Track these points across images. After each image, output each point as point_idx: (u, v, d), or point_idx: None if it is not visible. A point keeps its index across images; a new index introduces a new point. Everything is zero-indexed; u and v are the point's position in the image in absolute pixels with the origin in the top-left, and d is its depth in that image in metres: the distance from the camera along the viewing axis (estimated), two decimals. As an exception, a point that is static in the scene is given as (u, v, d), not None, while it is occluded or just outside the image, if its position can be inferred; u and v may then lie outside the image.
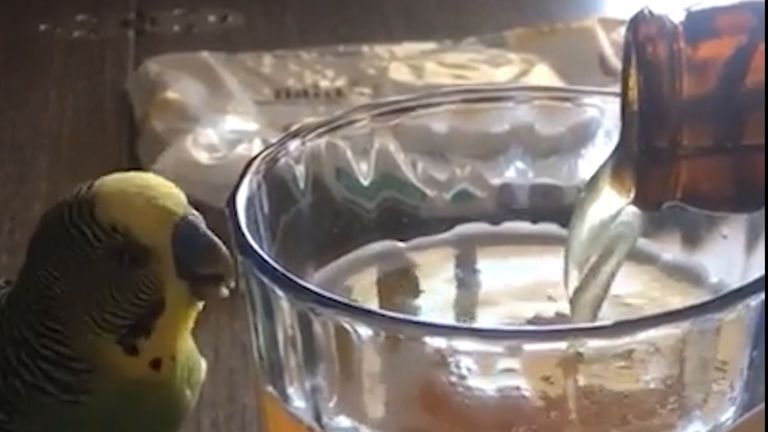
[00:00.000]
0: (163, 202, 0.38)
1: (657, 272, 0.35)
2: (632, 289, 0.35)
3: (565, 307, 0.33)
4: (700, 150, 0.30)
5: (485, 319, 0.34)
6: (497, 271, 0.36)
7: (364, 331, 0.29)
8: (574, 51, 0.71)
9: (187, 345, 0.41)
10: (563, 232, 0.35)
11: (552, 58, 0.70)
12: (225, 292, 0.38)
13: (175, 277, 0.38)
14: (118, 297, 0.38)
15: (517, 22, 0.76)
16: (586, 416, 0.29)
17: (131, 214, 0.38)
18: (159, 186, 0.39)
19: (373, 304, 0.35)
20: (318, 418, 0.30)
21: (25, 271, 0.40)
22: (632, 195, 0.31)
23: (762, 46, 0.29)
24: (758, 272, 0.32)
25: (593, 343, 0.28)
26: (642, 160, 0.30)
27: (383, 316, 0.29)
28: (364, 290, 0.35)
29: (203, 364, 0.42)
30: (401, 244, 0.37)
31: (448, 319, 0.34)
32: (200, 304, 0.39)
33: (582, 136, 0.38)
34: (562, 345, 0.28)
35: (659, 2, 0.31)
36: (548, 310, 0.34)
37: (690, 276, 0.35)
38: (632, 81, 0.31)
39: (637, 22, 0.31)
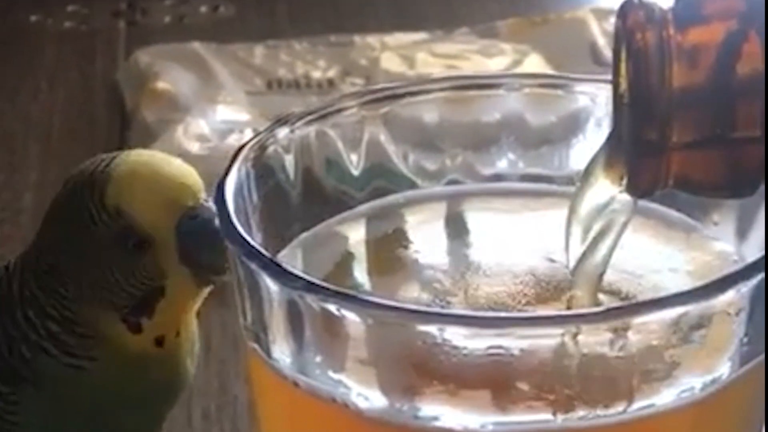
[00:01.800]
0: (172, 191, 0.38)
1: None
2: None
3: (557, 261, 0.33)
4: (691, 141, 0.30)
5: (476, 282, 0.33)
6: (489, 225, 0.36)
7: (352, 316, 0.29)
8: (566, 41, 0.71)
9: (191, 319, 0.41)
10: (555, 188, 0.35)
11: (544, 48, 0.70)
12: (226, 280, 0.39)
13: (177, 264, 0.38)
14: (120, 279, 0.39)
15: (509, 13, 0.76)
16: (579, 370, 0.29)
17: (138, 201, 0.38)
18: (175, 172, 0.39)
19: (363, 261, 0.35)
20: (302, 372, 0.30)
21: (39, 235, 0.40)
22: (624, 183, 0.31)
23: (753, 33, 0.29)
24: (750, 258, 0.32)
25: (587, 328, 0.28)
26: (633, 149, 0.30)
27: (371, 302, 0.29)
28: (356, 245, 0.35)
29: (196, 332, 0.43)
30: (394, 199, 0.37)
31: (440, 278, 0.33)
32: (203, 294, 0.40)
33: (573, 125, 0.37)
34: (556, 331, 0.28)
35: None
36: (540, 265, 0.34)
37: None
38: (622, 70, 0.31)
39: (626, 9, 0.30)
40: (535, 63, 0.69)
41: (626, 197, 0.32)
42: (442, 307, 0.32)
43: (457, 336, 0.28)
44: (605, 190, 0.32)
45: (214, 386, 0.52)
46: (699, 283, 0.30)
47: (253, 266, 0.30)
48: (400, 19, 0.78)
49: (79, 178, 0.39)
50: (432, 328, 0.28)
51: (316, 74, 0.70)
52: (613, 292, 0.33)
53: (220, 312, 0.55)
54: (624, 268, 0.33)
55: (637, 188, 0.31)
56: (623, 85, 0.31)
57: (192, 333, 0.42)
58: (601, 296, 0.33)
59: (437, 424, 0.29)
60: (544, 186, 0.37)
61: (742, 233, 0.34)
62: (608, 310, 0.30)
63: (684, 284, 0.32)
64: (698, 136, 0.30)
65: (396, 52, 0.71)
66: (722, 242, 0.34)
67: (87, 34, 0.79)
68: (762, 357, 0.30)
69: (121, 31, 0.79)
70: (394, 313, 0.29)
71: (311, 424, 0.31)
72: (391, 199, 0.37)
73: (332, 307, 0.29)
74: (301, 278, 0.29)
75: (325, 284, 0.29)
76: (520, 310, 0.32)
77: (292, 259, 0.34)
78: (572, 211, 0.32)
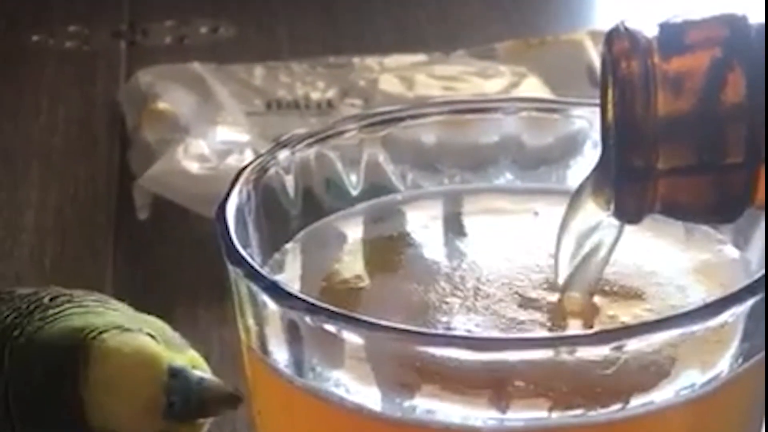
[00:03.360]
0: (145, 388, 0.39)
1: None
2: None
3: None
4: (677, 168, 0.30)
5: (476, 282, 0.34)
6: (488, 223, 0.36)
7: (351, 336, 0.29)
8: (563, 63, 0.71)
9: None
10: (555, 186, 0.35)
11: (541, 70, 0.71)
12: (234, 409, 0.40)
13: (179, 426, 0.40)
14: None
15: (506, 35, 0.76)
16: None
17: (120, 416, 0.39)
18: (138, 366, 0.40)
19: (363, 261, 0.35)
20: (299, 370, 0.31)
21: None
22: (612, 207, 0.31)
23: (736, 61, 0.29)
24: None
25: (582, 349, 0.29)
26: (619, 175, 0.31)
27: (370, 324, 0.29)
28: (354, 243, 0.36)
29: None
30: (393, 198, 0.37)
31: (439, 279, 0.34)
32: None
33: (570, 147, 0.38)
34: (548, 353, 0.29)
35: (641, 16, 0.31)
36: (541, 265, 0.34)
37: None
38: (609, 97, 0.31)
39: (611, 37, 0.31)
40: (532, 85, 0.70)
41: (614, 221, 0.32)
42: (442, 310, 0.32)
43: (454, 354, 0.29)
44: (593, 214, 0.32)
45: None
46: (694, 302, 0.30)
47: (254, 287, 0.31)
48: (398, 41, 0.78)
49: (45, 399, 0.39)
50: (430, 349, 0.29)
51: (316, 95, 0.70)
52: (612, 293, 0.33)
53: (219, 330, 0.56)
54: (624, 266, 0.34)
55: (624, 213, 0.31)
56: (610, 111, 0.31)
57: None
58: (599, 299, 0.33)
59: (435, 418, 0.29)
60: (543, 185, 0.37)
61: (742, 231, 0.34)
62: (602, 332, 0.30)
63: (685, 283, 0.33)
64: (684, 163, 0.30)
65: (395, 74, 0.71)
66: (723, 240, 0.35)
67: (88, 54, 0.80)
68: (762, 354, 0.31)
69: (122, 52, 0.80)
70: (392, 334, 0.29)
71: (309, 421, 0.31)
72: (390, 198, 0.37)
73: (332, 328, 0.29)
74: (301, 300, 0.30)
75: (324, 305, 0.30)
76: (520, 325, 0.32)
77: (291, 257, 0.35)
78: (561, 232, 0.33)
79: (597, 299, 0.33)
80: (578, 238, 0.33)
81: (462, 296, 0.33)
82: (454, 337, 0.30)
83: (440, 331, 0.30)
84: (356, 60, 0.73)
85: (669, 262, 0.34)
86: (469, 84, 0.70)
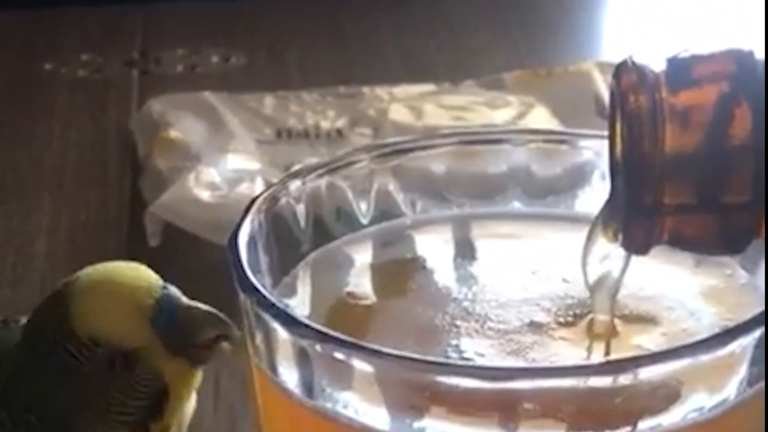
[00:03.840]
0: (137, 298, 0.38)
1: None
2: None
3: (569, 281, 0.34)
4: (684, 204, 0.30)
5: (486, 305, 0.34)
6: (498, 247, 0.37)
7: (362, 365, 0.29)
8: (571, 94, 0.72)
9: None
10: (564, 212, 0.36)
11: (549, 100, 0.71)
12: (227, 347, 0.39)
13: (170, 359, 0.39)
14: (123, 399, 0.39)
15: (515, 65, 0.77)
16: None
17: (107, 323, 0.38)
18: (127, 277, 0.39)
19: (370, 288, 0.35)
20: (308, 391, 0.31)
21: (23, 385, 0.39)
22: (620, 239, 0.32)
23: (743, 96, 0.30)
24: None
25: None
26: (627, 209, 0.31)
27: (380, 352, 0.29)
28: (364, 270, 0.36)
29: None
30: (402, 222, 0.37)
31: (445, 311, 0.34)
32: (201, 373, 0.40)
33: (578, 177, 0.38)
34: (557, 383, 0.29)
35: (649, 49, 0.31)
36: (550, 288, 0.34)
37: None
38: (617, 131, 0.31)
39: (619, 71, 0.31)
40: (540, 115, 0.70)
41: (622, 252, 0.32)
42: (452, 334, 0.33)
43: (463, 383, 0.29)
44: (604, 244, 0.33)
45: (223, 429, 0.53)
46: (705, 326, 0.30)
47: (266, 316, 0.31)
48: (408, 71, 0.79)
49: (41, 322, 0.39)
50: (439, 378, 0.29)
51: (325, 124, 0.71)
52: (624, 317, 0.33)
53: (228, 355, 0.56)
54: (635, 290, 0.34)
55: (632, 245, 0.32)
56: (618, 146, 0.31)
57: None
58: (605, 327, 0.33)
59: None
60: (552, 210, 0.38)
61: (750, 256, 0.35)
62: (612, 363, 0.30)
63: (696, 308, 0.33)
64: (690, 201, 0.30)
65: (404, 104, 0.72)
66: (732, 265, 0.35)
67: (100, 82, 0.80)
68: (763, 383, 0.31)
69: (134, 80, 0.80)
70: (401, 363, 0.29)
71: None
72: (399, 222, 0.37)
73: (341, 356, 0.30)
74: (312, 329, 0.30)
75: (334, 334, 0.30)
76: (529, 350, 0.32)
77: (301, 280, 0.35)
78: (583, 262, 0.33)
79: (616, 323, 0.33)
80: (592, 263, 0.33)
81: (471, 321, 0.33)
82: (463, 366, 0.30)
83: (449, 361, 0.31)
84: (366, 90, 0.73)
85: (679, 286, 0.34)
86: (478, 114, 0.70)
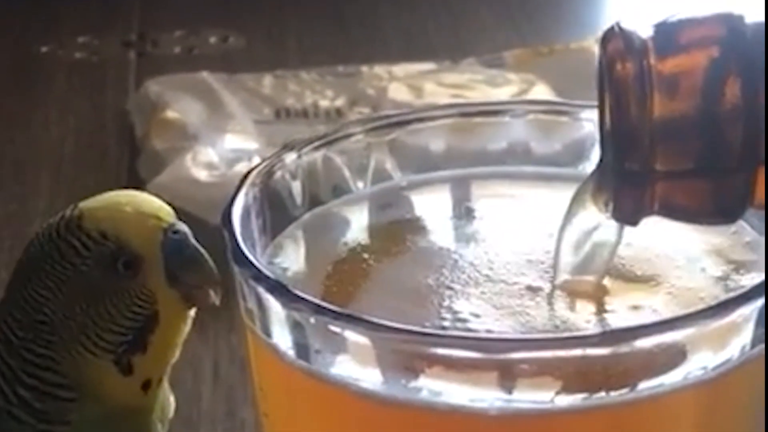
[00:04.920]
0: (150, 212, 0.38)
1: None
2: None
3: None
4: (674, 173, 0.30)
5: (483, 267, 0.33)
6: (496, 208, 0.36)
7: (357, 337, 0.29)
8: (572, 71, 0.71)
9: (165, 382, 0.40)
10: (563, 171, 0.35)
11: (550, 78, 0.71)
12: (215, 300, 0.38)
13: (166, 287, 0.38)
14: (113, 311, 0.38)
15: (515, 43, 0.77)
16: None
17: (119, 222, 0.37)
18: (146, 200, 0.38)
19: (369, 248, 0.35)
20: (302, 354, 0.30)
21: (9, 298, 0.39)
22: (610, 210, 0.31)
23: (733, 61, 0.29)
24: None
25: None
26: (617, 178, 0.30)
27: (378, 325, 0.29)
28: (360, 231, 0.35)
29: (173, 402, 0.41)
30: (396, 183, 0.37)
31: (442, 272, 0.33)
32: (190, 320, 0.39)
33: (578, 152, 0.38)
34: (554, 354, 0.29)
35: (639, 17, 0.31)
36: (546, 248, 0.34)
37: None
38: (606, 99, 0.31)
39: (606, 38, 0.30)
40: (541, 92, 0.70)
41: (613, 223, 0.32)
42: (449, 296, 0.32)
43: (459, 354, 0.29)
44: (593, 216, 0.32)
45: (222, 411, 0.53)
46: (711, 285, 0.29)
47: (260, 289, 0.31)
48: (407, 49, 0.79)
49: (46, 230, 0.38)
50: (437, 350, 0.29)
51: (324, 104, 0.70)
52: (628, 277, 0.33)
53: (227, 337, 0.56)
54: (640, 250, 0.33)
55: (622, 216, 0.31)
56: (607, 114, 0.31)
57: (165, 395, 0.41)
58: (617, 282, 0.33)
59: (441, 400, 0.29)
60: (550, 169, 0.37)
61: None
62: (609, 332, 0.30)
63: (702, 266, 0.33)
64: (681, 167, 0.29)
65: (403, 82, 0.71)
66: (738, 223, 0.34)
67: (97, 64, 0.80)
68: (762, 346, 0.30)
69: (132, 62, 0.80)
70: (400, 335, 0.29)
71: (311, 403, 0.31)
72: (396, 182, 0.37)
73: (337, 329, 0.29)
74: (307, 301, 0.30)
75: (330, 307, 0.30)
76: (526, 313, 0.32)
77: (295, 242, 0.35)
78: (562, 230, 0.33)
79: (615, 283, 0.33)
80: (579, 236, 0.32)
81: (468, 281, 0.33)
82: (459, 338, 0.30)
83: (445, 332, 0.30)
84: (365, 69, 0.73)
85: (685, 245, 0.34)
86: (478, 92, 0.70)
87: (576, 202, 0.32)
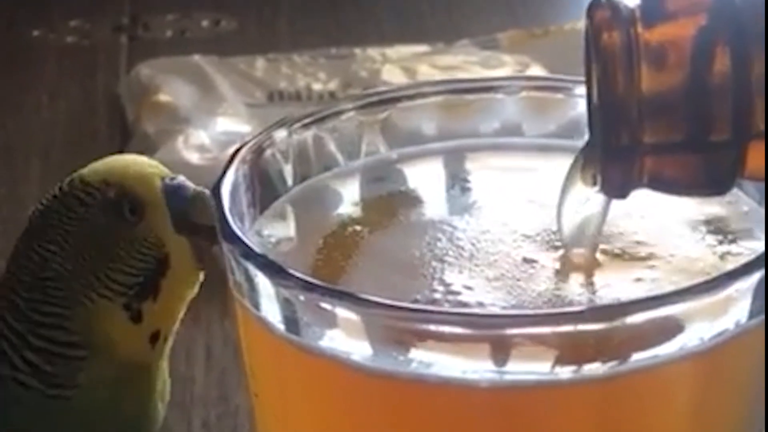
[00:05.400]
0: (150, 164, 0.39)
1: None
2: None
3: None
4: (663, 143, 0.29)
5: (477, 240, 0.33)
6: (489, 180, 0.36)
7: (348, 314, 0.29)
8: (566, 52, 0.71)
9: (171, 339, 0.40)
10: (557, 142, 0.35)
11: (545, 59, 0.70)
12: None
13: (173, 232, 0.38)
14: (123, 254, 0.38)
15: (509, 25, 0.76)
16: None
17: (121, 172, 0.39)
18: (143, 159, 0.40)
19: (360, 220, 0.34)
20: (291, 327, 0.30)
21: (14, 265, 0.39)
22: (599, 183, 0.31)
23: (721, 29, 0.28)
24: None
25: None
26: (605, 152, 0.30)
27: (368, 301, 0.29)
28: (352, 202, 0.35)
29: (169, 386, 0.42)
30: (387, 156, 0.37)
31: (435, 244, 0.33)
32: (199, 280, 0.39)
33: (573, 131, 0.37)
34: (546, 330, 0.28)
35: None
36: (540, 220, 0.33)
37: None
38: (593, 71, 0.30)
39: (592, 7, 0.30)
40: (536, 74, 0.69)
41: (602, 196, 0.31)
42: (441, 268, 0.32)
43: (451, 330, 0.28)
44: (583, 189, 0.31)
45: (215, 395, 0.52)
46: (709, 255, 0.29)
47: (250, 266, 0.30)
48: (401, 31, 0.78)
49: (49, 194, 0.39)
50: (427, 326, 0.28)
51: (317, 86, 0.70)
52: (624, 249, 0.32)
53: (221, 322, 0.55)
54: (636, 220, 0.33)
55: (610, 189, 0.31)
56: (594, 86, 0.30)
57: (165, 378, 0.41)
58: (606, 252, 0.32)
59: (431, 372, 0.28)
60: (544, 141, 0.36)
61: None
62: (601, 308, 0.30)
63: (700, 237, 0.32)
64: (670, 139, 0.29)
65: (397, 65, 0.71)
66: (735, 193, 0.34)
67: (89, 48, 0.79)
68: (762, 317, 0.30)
69: (123, 46, 0.79)
70: (390, 311, 0.29)
71: (301, 377, 0.31)
72: (388, 154, 0.36)
73: (327, 306, 0.29)
74: (296, 277, 0.29)
75: (320, 283, 0.29)
76: (519, 285, 0.31)
77: (283, 215, 0.35)
78: (560, 204, 0.32)
79: (612, 254, 0.32)
80: (572, 210, 0.32)
81: (461, 253, 0.32)
82: (450, 314, 0.29)
83: (435, 308, 0.30)
84: (358, 51, 0.73)
85: (683, 215, 0.33)
86: (472, 74, 0.69)
87: (567, 176, 0.32)
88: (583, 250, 0.32)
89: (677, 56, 0.29)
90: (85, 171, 0.39)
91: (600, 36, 0.29)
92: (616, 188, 0.30)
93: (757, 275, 0.29)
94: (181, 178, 0.39)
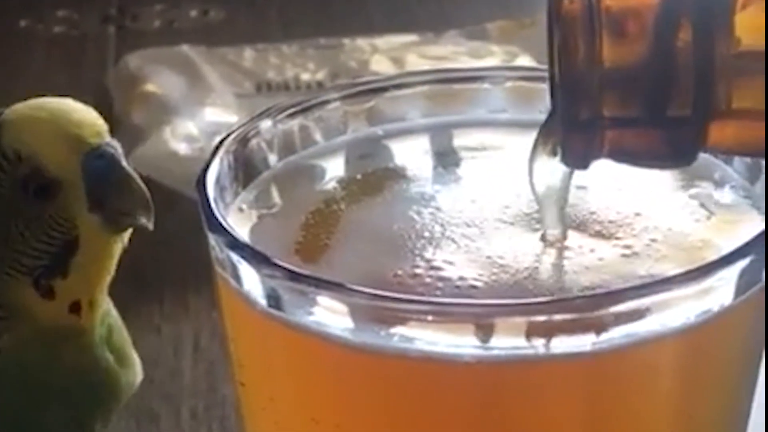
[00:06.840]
0: (75, 130, 0.36)
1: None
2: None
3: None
4: (624, 119, 0.28)
5: (455, 223, 0.33)
6: (474, 157, 0.36)
7: (334, 303, 0.29)
8: (555, 42, 0.71)
9: (105, 301, 0.38)
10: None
11: (533, 49, 0.70)
12: (148, 224, 0.36)
13: (87, 212, 0.36)
14: (27, 234, 0.36)
15: (498, 15, 0.76)
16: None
17: (39, 142, 0.35)
18: (75, 112, 0.37)
19: (346, 198, 0.34)
20: (275, 303, 0.30)
21: None
22: (560, 154, 0.30)
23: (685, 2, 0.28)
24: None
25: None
26: (564, 124, 0.29)
27: (354, 290, 0.29)
28: (337, 179, 0.35)
29: (138, 363, 0.40)
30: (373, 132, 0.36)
31: (420, 222, 0.33)
32: (120, 241, 0.37)
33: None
34: (527, 318, 0.28)
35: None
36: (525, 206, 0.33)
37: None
38: (553, 41, 0.29)
39: None
40: (524, 64, 0.69)
41: (564, 167, 0.31)
42: (425, 246, 0.31)
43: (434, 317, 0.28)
44: (545, 160, 0.31)
45: (203, 386, 0.52)
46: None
47: (234, 256, 0.30)
48: (389, 21, 0.78)
49: None
50: (413, 315, 0.28)
51: (306, 77, 0.70)
52: (610, 223, 0.32)
53: (209, 312, 0.55)
54: (622, 202, 0.33)
55: (571, 160, 0.30)
56: (555, 57, 0.29)
57: (111, 320, 0.39)
58: (592, 241, 0.32)
59: (414, 347, 0.28)
60: (531, 116, 0.36)
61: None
62: (583, 298, 0.29)
63: (689, 214, 0.32)
64: (630, 112, 0.28)
65: (386, 55, 0.71)
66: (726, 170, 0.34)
67: (77, 38, 0.79)
68: (762, 284, 0.30)
69: (111, 36, 0.79)
70: (377, 302, 0.28)
71: (284, 352, 0.30)
72: (375, 130, 0.36)
73: (313, 295, 0.29)
74: (282, 268, 0.29)
75: (305, 273, 0.29)
76: (501, 262, 0.31)
77: (267, 192, 0.34)
78: (529, 177, 0.32)
79: (602, 230, 0.32)
80: (542, 184, 0.32)
81: (444, 230, 0.32)
82: (435, 303, 0.29)
83: (421, 297, 0.29)
84: (347, 41, 0.72)
85: (673, 191, 0.33)
86: (461, 64, 0.69)
87: (533, 148, 0.32)
88: (558, 222, 0.32)
89: (639, 26, 0.28)
90: (5, 123, 0.36)
91: (561, 4, 0.28)
92: (577, 159, 0.30)
93: (743, 262, 0.29)
94: (108, 152, 0.36)
